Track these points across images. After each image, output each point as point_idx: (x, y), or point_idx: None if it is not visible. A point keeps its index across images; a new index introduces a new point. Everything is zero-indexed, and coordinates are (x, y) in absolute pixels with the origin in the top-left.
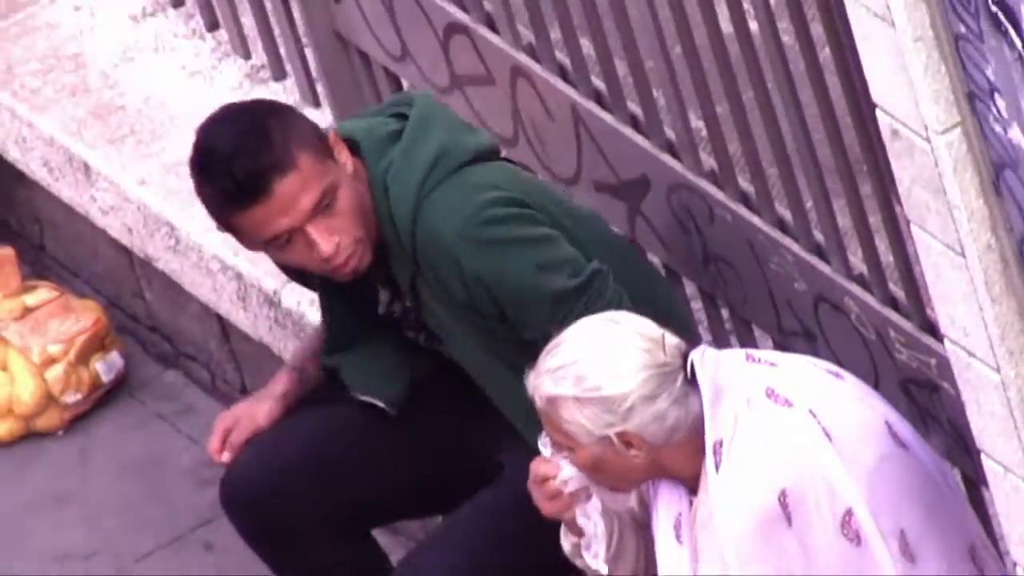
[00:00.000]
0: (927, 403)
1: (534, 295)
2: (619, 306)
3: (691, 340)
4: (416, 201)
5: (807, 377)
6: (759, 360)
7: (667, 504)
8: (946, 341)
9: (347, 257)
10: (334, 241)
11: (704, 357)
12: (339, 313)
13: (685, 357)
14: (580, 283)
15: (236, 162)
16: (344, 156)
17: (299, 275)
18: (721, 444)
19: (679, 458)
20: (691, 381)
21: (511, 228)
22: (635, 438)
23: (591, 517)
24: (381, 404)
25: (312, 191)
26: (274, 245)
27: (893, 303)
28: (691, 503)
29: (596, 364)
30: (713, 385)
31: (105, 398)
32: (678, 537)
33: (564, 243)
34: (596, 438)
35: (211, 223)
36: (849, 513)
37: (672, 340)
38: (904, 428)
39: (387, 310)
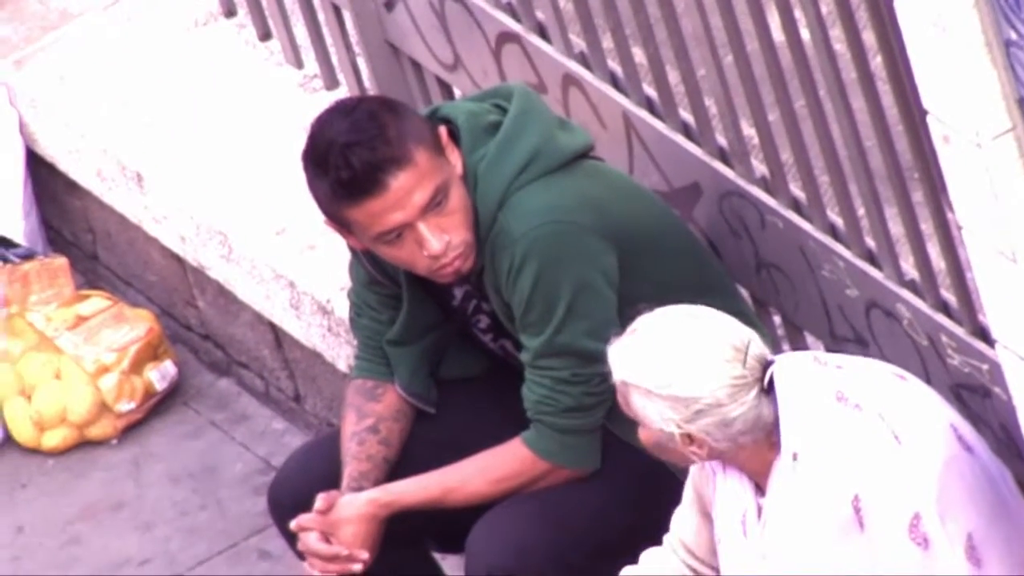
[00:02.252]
0: (979, 408)
1: (546, 324)
2: (604, 406)
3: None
4: (502, 199)
5: (874, 380)
6: (826, 363)
7: (733, 498)
8: (997, 346)
9: (454, 257)
10: (444, 239)
11: (784, 368)
12: (414, 306)
13: (765, 367)
14: (589, 349)
15: (354, 153)
16: (455, 157)
17: (381, 270)
18: (796, 456)
19: (743, 457)
20: (767, 389)
21: (569, 256)
22: (697, 438)
23: None
24: (421, 405)
25: (426, 188)
26: (383, 241)
27: (945, 309)
28: (757, 503)
29: (674, 362)
30: (790, 395)
31: (158, 407)
32: (744, 532)
33: (609, 304)
34: (660, 428)
35: (270, 229)
36: (917, 517)
37: (756, 350)
38: (968, 431)
39: (460, 304)
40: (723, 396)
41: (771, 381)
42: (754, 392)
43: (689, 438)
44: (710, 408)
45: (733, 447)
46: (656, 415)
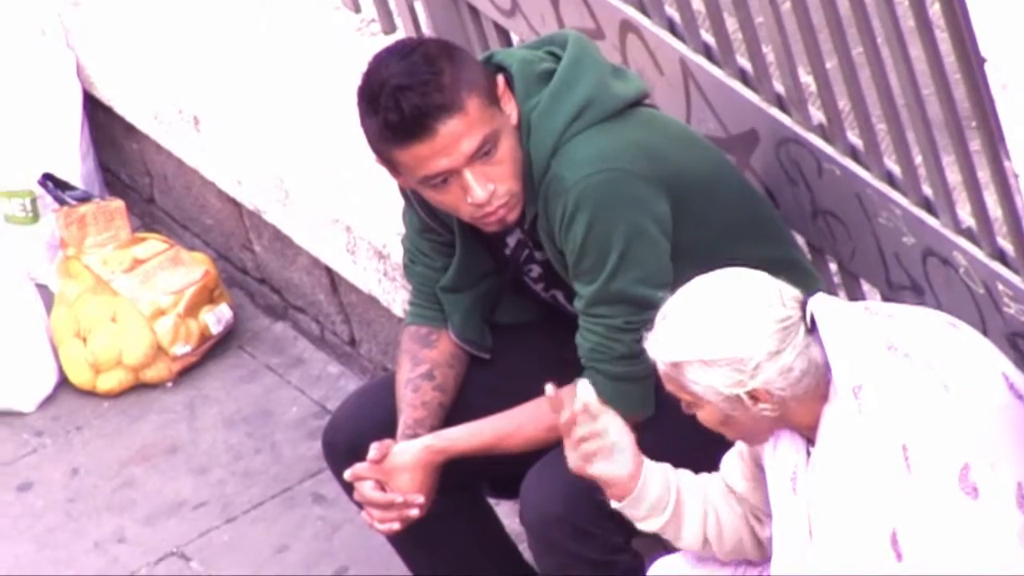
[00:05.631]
0: None
1: (599, 271)
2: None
3: (816, 287)
4: (555, 147)
5: (924, 329)
6: (876, 313)
7: (783, 457)
8: None
9: (498, 207)
10: (489, 188)
11: (823, 304)
12: (467, 254)
13: (803, 306)
14: (642, 296)
15: (405, 97)
16: (511, 107)
17: (434, 217)
18: (860, 389)
19: (802, 408)
20: (811, 330)
21: (621, 203)
22: (763, 393)
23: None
24: (475, 351)
25: (475, 136)
26: (429, 184)
27: (1001, 257)
28: (808, 453)
29: (720, 325)
30: (837, 332)
31: (214, 350)
32: (793, 489)
33: (663, 252)
34: (724, 396)
35: (327, 174)
36: (967, 467)
37: (789, 291)
38: (1020, 379)
39: (512, 253)
40: (776, 343)
41: (813, 321)
42: (801, 332)
43: (755, 397)
44: (769, 358)
45: (796, 395)
46: (719, 383)
